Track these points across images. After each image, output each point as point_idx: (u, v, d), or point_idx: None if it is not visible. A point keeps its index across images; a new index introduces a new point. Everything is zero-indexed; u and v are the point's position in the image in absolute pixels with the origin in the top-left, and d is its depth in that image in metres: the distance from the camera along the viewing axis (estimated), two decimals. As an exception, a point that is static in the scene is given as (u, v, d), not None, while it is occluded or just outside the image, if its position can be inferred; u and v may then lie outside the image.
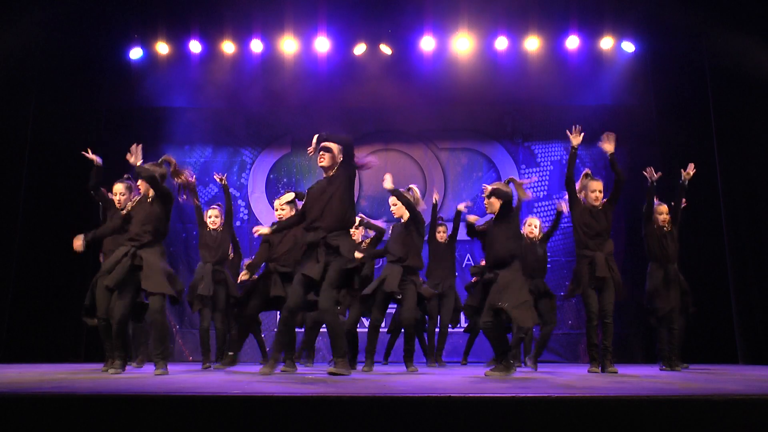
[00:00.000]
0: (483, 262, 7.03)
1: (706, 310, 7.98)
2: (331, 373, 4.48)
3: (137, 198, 5.54)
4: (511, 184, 5.35)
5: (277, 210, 6.08)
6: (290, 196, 6.00)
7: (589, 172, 6.33)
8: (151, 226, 5.28)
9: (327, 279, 4.65)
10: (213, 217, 7.06)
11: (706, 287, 8.43)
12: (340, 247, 4.67)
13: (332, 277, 4.65)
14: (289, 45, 9.62)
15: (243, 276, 6.26)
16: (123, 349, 5.40)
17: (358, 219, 6.41)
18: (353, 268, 4.70)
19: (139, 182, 5.51)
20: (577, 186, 6.18)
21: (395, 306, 6.94)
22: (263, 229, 5.45)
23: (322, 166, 4.94)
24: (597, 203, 6.06)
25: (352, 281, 4.86)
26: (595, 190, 6.08)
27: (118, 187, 5.99)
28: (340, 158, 4.91)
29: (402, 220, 6.31)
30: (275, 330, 7.31)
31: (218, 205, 7.29)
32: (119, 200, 5.91)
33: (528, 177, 10.06)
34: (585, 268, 5.90)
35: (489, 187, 5.32)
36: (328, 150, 4.89)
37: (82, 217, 8.98)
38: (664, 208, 6.75)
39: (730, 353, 8.09)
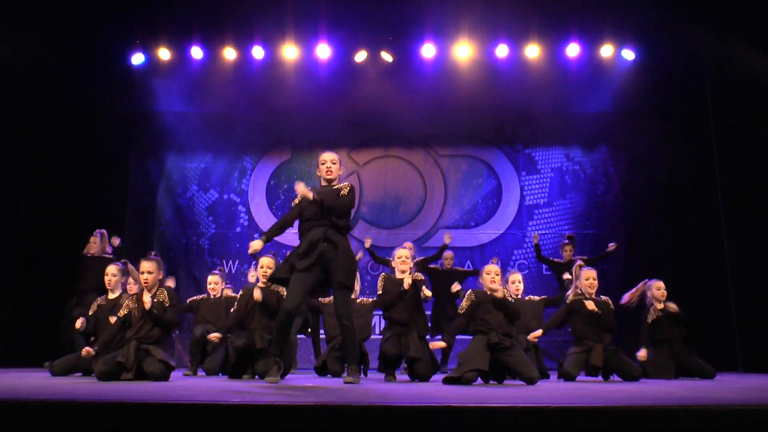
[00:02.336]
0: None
1: (707, 317, 7.98)
2: (347, 383, 4.54)
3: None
4: None
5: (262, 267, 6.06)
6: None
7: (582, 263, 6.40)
8: None
9: (336, 286, 4.68)
10: (212, 284, 7.07)
11: (706, 295, 8.44)
12: (338, 244, 4.70)
13: (340, 282, 4.68)
14: (290, 52, 9.65)
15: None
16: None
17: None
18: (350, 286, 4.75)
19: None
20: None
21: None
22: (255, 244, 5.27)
23: (328, 178, 4.96)
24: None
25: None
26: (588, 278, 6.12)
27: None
28: (341, 171, 5.03)
29: (407, 278, 5.75)
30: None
31: (220, 269, 7.33)
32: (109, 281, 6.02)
33: (528, 183, 10.10)
34: None
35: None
36: (334, 163, 4.98)
37: (84, 222, 9.00)
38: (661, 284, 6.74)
39: (731, 361, 8.08)
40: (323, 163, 4.96)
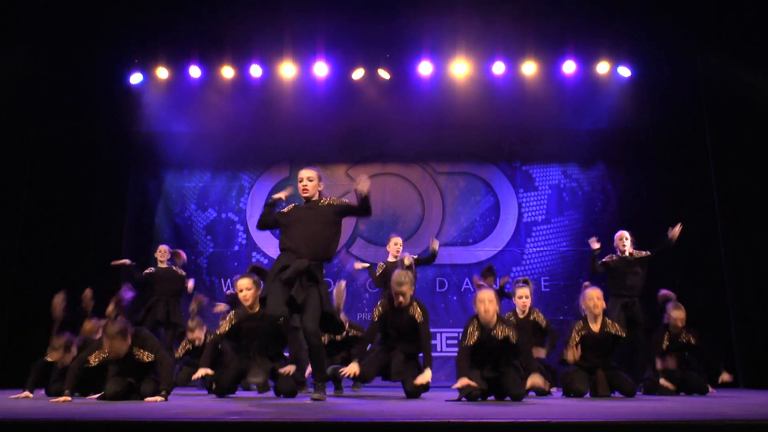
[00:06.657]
0: None
1: (706, 334, 7.93)
2: (313, 399, 4.51)
3: None
4: None
5: (241, 291, 5.82)
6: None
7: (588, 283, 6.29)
8: None
9: (311, 305, 4.62)
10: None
11: (705, 311, 8.40)
12: (318, 277, 4.69)
13: (315, 303, 4.63)
14: (288, 70, 9.70)
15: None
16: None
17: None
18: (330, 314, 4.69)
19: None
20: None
21: None
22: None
23: (305, 196, 4.94)
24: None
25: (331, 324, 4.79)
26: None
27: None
28: (320, 187, 4.97)
29: (407, 308, 5.61)
30: None
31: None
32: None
33: (526, 200, 10.10)
34: None
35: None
36: (311, 180, 4.92)
37: (82, 241, 8.98)
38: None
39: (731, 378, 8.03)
40: (300, 181, 4.97)
